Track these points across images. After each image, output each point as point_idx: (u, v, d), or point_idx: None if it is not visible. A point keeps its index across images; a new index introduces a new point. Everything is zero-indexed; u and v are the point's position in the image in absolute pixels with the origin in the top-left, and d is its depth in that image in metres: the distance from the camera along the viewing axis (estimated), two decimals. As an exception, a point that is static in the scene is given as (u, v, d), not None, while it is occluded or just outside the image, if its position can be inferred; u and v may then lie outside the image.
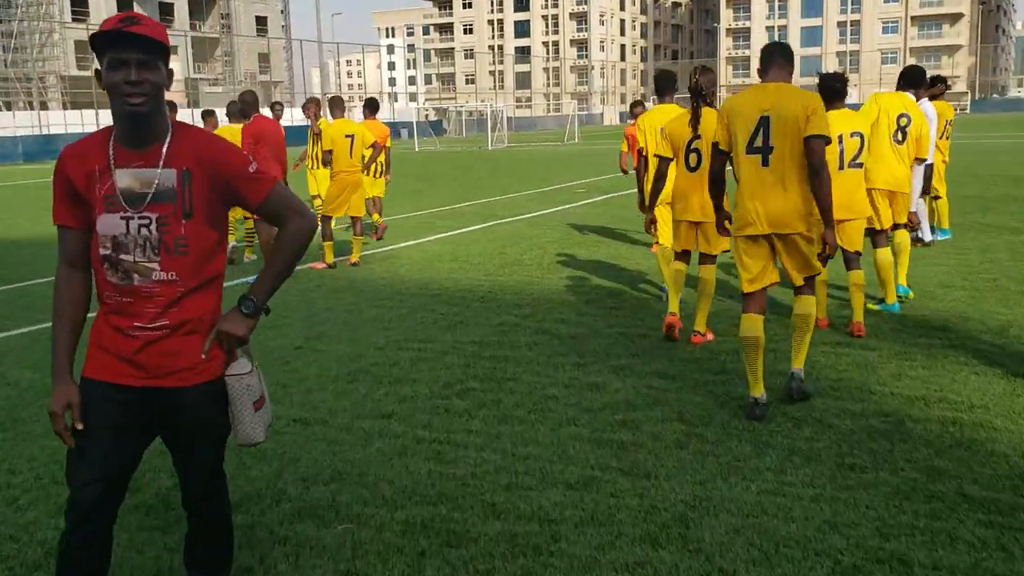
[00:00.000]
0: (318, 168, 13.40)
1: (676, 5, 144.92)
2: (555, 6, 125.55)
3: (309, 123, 12.88)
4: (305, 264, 10.38)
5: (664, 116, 6.93)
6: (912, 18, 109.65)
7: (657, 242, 7.20)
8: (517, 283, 8.96)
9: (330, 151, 10.16)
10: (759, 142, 4.88)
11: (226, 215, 2.71)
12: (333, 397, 5.45)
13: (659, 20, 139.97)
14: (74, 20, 62.90)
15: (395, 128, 68.60)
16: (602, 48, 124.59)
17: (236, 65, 77.86)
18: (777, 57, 5.01)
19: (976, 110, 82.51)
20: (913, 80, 7.66)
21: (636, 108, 11.89)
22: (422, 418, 5.01)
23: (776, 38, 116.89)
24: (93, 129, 35.21)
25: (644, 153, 7.25)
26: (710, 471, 4.25)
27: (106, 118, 50.82)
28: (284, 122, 15.91)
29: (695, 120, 6.24)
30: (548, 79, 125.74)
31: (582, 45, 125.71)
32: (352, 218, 10.49)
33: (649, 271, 9.31)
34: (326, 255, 10.14)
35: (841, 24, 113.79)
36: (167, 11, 74.52)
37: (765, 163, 4.89)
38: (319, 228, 9.81)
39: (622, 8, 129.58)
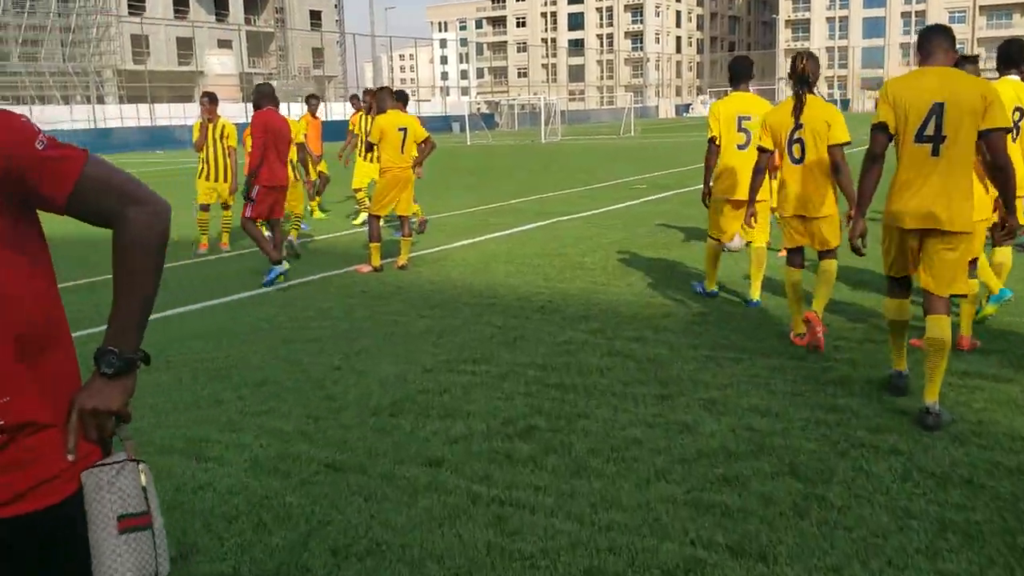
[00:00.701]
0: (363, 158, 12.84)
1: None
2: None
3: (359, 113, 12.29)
4: (349, 267, 9.62)
5: (741, 104, 6.92)
6: (980, 7, 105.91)
7: (748, 243, 6.59)
8: (581, 291, 8.07)
9: (372, 144, 9.37)
10: (931, 130, 4.47)
11: (32, 225, 1.73)
12: (373, 434, 4.63)
13: (715, 11, 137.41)
14: (131, 14, 63.38)
15: (447, 121, 68.15)
16: (657, 40, 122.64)
17: (290, 59, 77.97)
18: (942, 40, 4.62)
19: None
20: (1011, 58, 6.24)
21: None
22: (478, 467, 4.16)
23: (837, 30, 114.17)
24: (147, 123, 35.05)
25: (716, 142, 7.08)
26: (843, 551, 3.33)
27: (162, 112, 51.06)
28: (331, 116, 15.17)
29: (798, 109, 5.92)
30: (602, 72, 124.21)
31: (636, 37, 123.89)
32: (400, 217, 9.69)
33: (729, 278, 8.37)
34: (372, 257, 9.35)
35: (905, 15, 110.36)
36: (222, 5, 74.87)
37: (935, 152, 4.49)
38: (369, 228, 9.46)
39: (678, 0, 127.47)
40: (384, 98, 9.57)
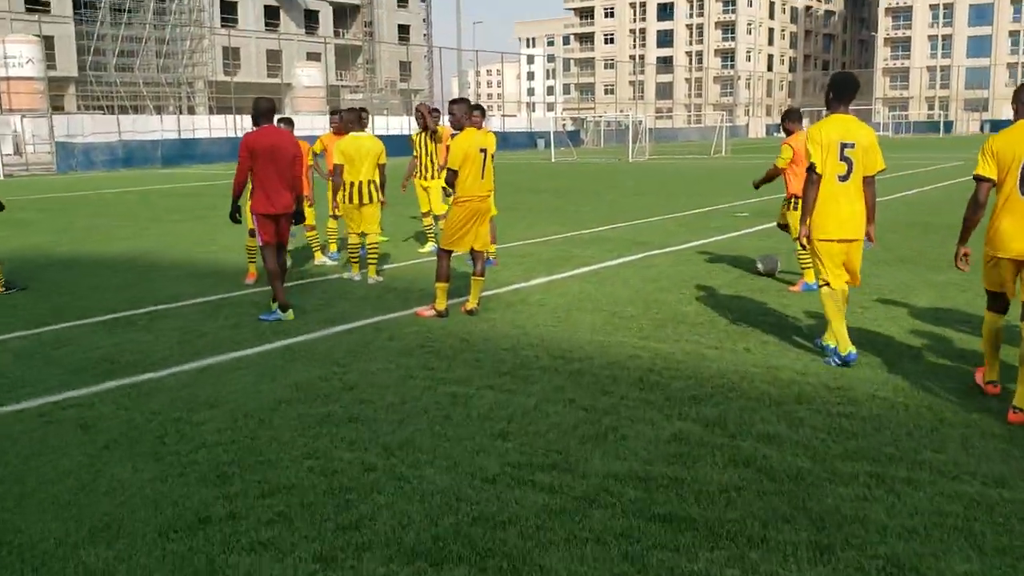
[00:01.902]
0: (431, 179, 11.56)
1: (829, 14, 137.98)
2: (700, 15, 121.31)
3: (423, 128, 10.96)
4: (408, 310, 8.25)
5: (844, 128, 6.14)
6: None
7: (820, 283, 6.28)
8: (687, 355, 6.52)
9: (455, 171, 7.90)
10: None
11: None
12: (403, 603, 3.19)
13: (810, 29, 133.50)
14: (223, 26, 64.06)
15: (532, 138, 66.96)
16: (748, 58, 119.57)
17: (377, 72, 78.05)
18: None
19: None
20: None
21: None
22: None
23: (940, 48, 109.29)
24: (232, 134, 35.22)
25: (817, 171, 6.14)
26: None
27: (246, 123, 51.10)
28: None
29: None
30: (690, 90, 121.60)
31: (727, 55, 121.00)
32: (472, 252, 8.27)
33: (869, 338, 6.71)
34: (437, 299, 7.98)
35: (1013, 33, 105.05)
36: (312, 19, 75.35)
37: None
38: (438, 265, 8.09)
39: (771, 16, 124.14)
40: (466, 113, 8.11)
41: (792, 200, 8.97)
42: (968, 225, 5.49)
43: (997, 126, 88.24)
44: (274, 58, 67.04)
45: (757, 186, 9.74)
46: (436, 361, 6.46)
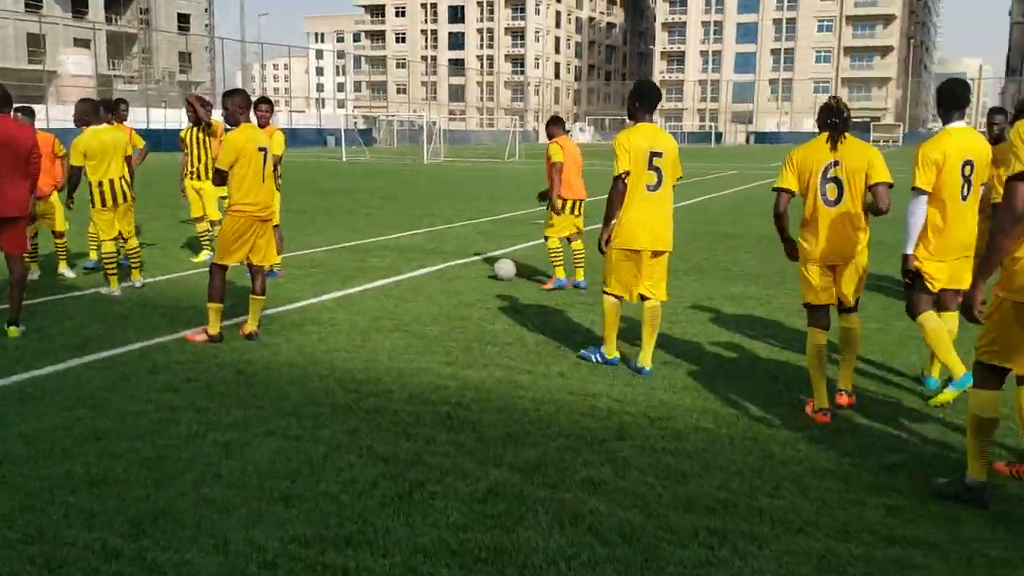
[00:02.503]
0: (204, 180, 10.31)
1: (611, 26, 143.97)
2: (490, 19, 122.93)
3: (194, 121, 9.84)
4: (178, 333, 7.14)
5: (652, 138, 6.03)
6: (845, 48, 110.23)
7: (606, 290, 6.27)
8: (498, 384, 5.90)
9: (223, 172, 6.89)
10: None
11: None
12: None
13: (594, 40, 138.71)
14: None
15: (321, 135, 64.95)
16: (537, 65, 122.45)
17: (154, 63, 73.18)
18: None
19: (908, 143, 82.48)
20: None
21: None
22: None
23: (710, 64, 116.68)
24: None
25: (625, 180, 5.98)
26: None
27: None
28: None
29: (834, 143, 5.27)
30: (482, 93, 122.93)
31: (516, 61, 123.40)
32: (250, 267, 7.27)
33: (681, 353, 6.39)
34: (210, 322, 6.93)
35: (775, 51, 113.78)
36: (80, 3, 69.35)
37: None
38: (210, 281, 6.99)
39: (558, 26, 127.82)
40: (242, 107, 7.05)
41: (569, 203, 9.31)
42: (782, 229, 5.48)
43: (761, 138, 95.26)
44: (35, 42, 61.13)
45: (543, 197, 9.64)
46: (206, 399, 5.47)
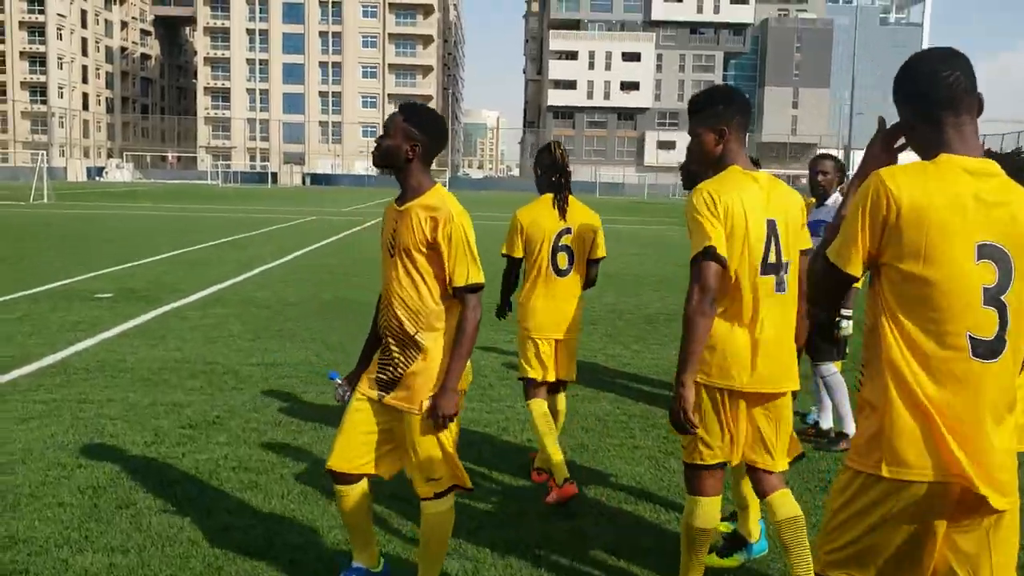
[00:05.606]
0: None
1: (146, 57, 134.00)
2: (1, 42, 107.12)
3: None
4: None
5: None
6: (389, 95, 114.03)
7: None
8: None
9: None
10: (772, 257, 3.34)
11: None
12: None
13: (127, 71, 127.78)
14: None
15: None
16: (61, 95, 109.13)
17: None
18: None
19: (452, 188, 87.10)
20: None
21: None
22: None
23: (258, 102, 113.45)
24: None
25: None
26: None
27: None
28: None
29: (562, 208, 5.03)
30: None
31: (36, 89, 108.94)
32: None
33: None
34: None
35: (323, 94, 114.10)
36: None
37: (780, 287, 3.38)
38: None
39: (84, 53, 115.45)
40: None
41: None
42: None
43: (317, 179, 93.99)
44: None
45: None
46: None
